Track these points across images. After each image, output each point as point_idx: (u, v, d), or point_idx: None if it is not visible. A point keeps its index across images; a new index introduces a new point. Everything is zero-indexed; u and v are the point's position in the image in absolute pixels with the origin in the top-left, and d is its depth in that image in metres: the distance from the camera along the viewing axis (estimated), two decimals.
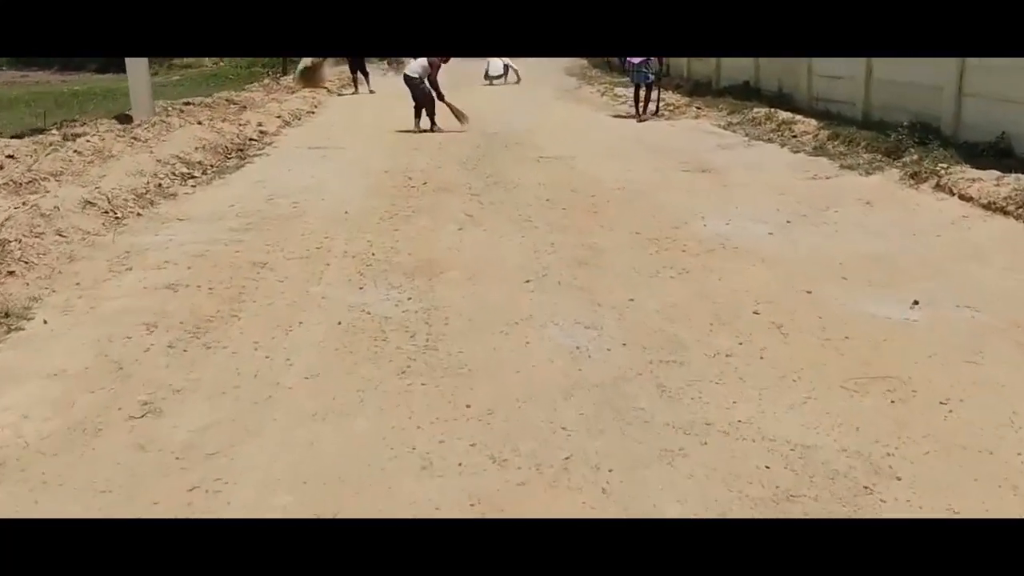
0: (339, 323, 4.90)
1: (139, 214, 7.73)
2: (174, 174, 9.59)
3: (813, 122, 11.95)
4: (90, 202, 7.56)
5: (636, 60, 14.11)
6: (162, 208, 8.03)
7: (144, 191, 8.58)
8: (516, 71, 22.80)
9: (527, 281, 5.61)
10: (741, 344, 4.50)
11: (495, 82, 22.68)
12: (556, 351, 4.45)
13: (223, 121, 13.11)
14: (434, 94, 12.78)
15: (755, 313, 4.95)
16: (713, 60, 17.58)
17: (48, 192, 8.07)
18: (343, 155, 11.03)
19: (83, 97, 20.08)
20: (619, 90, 18.82)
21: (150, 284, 5.61)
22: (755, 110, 13.52)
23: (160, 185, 8.99)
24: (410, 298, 5.32)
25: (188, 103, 17.19)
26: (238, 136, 12.28)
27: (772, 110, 13.20)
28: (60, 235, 6.66)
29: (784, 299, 5.18)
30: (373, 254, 6.30)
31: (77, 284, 5.63)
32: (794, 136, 11.69)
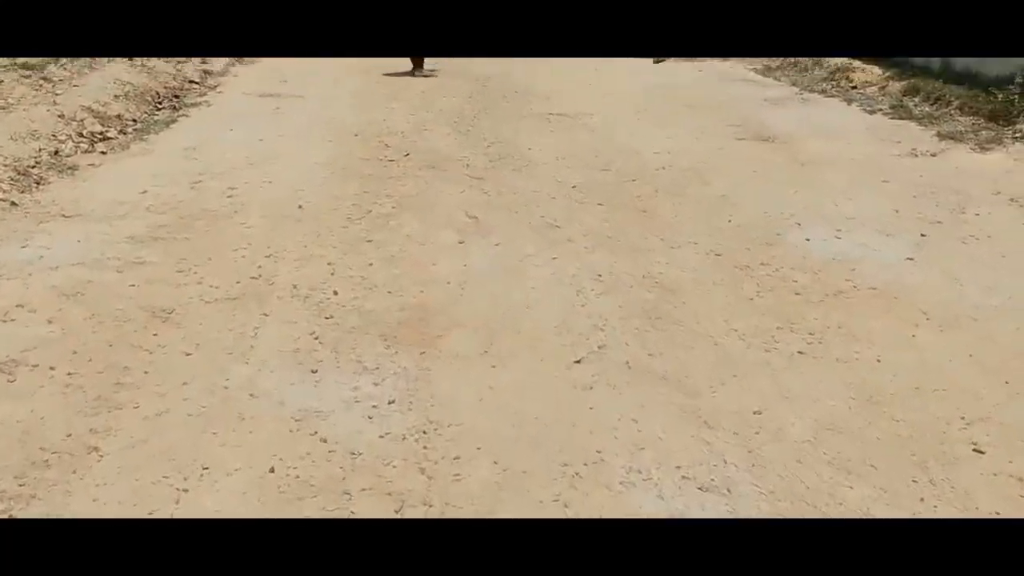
0: (271, 469, 2.85)
1: (13, 203, 5.54)
2: (81, 135, 7.34)
3: (875, 70, 9.85)
4: None
5: None
6: (50, 191, 5.83)
7: (33, 163, 6.39)
8: None
9: (577, 361, 3.55)
10: None
11: None
12: None
13: (158, 57, 10.73)
14: None
15: (976, 451, 2.95)
16: None
17: None
18: (302, 107, 8.75)
19: None
20: None
21: None
22: None
23: (57, 152, 6.77)
24: (392, 400, 3.26)
25: None
26: (174, 78, 9.96)
27: None
28: None
29: (1005, 411, 3.17)
30: (336, 292, 4.20)
31: None
32: (854, 87, 9.58)
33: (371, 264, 4.56)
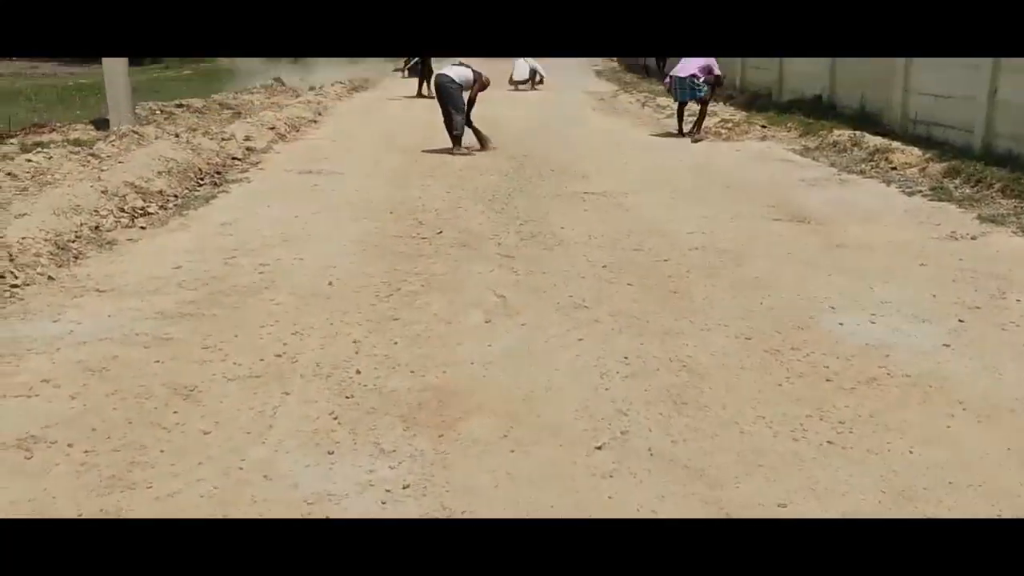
0: None
1: (50, 277, 5.63)
2: (122, 210, 7.49)
3: (915, 151, 9.78)
4: None
5: (683, 74, 11.81)
6: (87, 266, 5.94)
7: (73, 237, 6.53)
8: (541, 73, 20.83)
9: (598, 447, 3.47)
10: None
11: (520, 87, 20.61)
12: None
13: (204, 135, 11.00)
14: (459, 116, 10.52)
15: None
16: (774, 68, 15.38)
17: None
18: (340, 184, 8.90)
19: (87, 91, 18.08)
20: (661, 100, 16.65)
21: None
22: (835, 132, 11.33)
23: (98, 227, 6.90)
24: (407, 485, 3.19)
25: (181, 105, 15.20)
26: (218, 155, 10.18)
27: (856, 133, 11.03)
28: None
29: None
30: (358, 372, 4.17)
31: None
32: (893, 168, 9.52)
33: (396, 343, 4.53)
